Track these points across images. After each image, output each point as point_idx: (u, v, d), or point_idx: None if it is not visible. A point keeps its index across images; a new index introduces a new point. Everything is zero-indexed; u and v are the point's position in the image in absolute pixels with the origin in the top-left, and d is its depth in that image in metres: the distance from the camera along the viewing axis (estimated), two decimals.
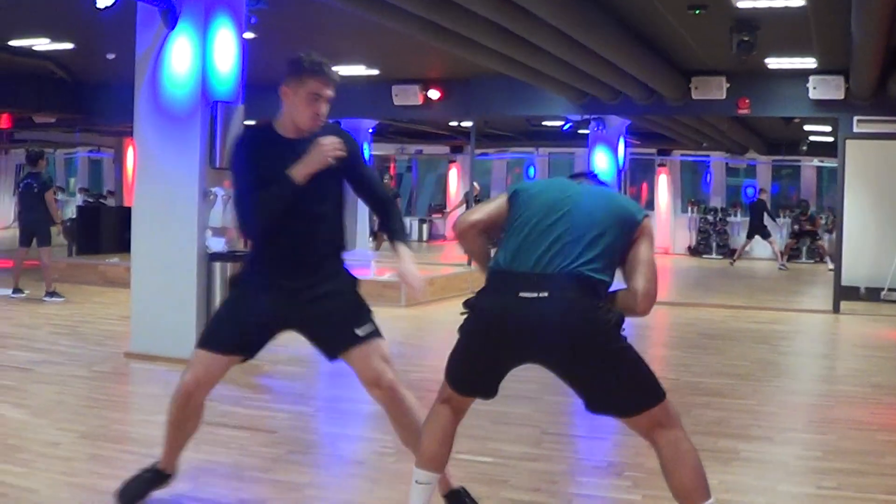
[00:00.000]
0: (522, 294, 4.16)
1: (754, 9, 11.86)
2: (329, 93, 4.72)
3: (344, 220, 4.99)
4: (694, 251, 30.61)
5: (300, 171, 4.61)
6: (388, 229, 5.05)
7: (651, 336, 13.06)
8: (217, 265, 9.31)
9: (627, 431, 6.72)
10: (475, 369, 4.44)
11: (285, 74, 4.72)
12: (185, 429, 4.95)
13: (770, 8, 11.68)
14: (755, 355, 10.84)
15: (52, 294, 14.05)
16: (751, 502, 5.33)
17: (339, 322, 4.84)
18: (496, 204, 4.57)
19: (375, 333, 4.90)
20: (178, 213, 9.35)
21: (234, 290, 5.02)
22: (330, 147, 4.65)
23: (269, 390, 8.55)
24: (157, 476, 4.96)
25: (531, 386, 7.52)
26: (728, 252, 28.97)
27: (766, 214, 25.96)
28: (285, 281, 4.77)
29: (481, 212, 4.59)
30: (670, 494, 5.34)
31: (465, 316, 4.35)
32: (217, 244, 9.36)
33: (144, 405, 7.70)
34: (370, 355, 4.82)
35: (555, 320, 4.12)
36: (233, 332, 4.83)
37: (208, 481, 5.41)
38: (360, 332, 4.84)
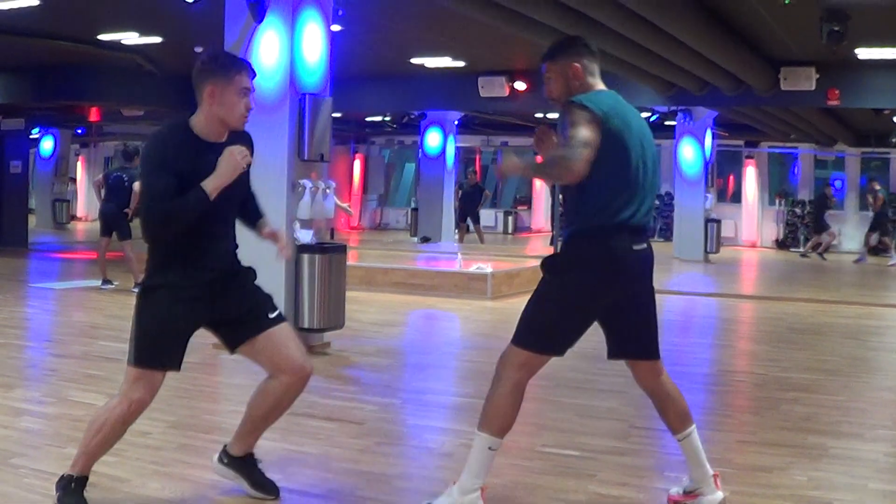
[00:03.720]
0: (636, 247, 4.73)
1: None
2: (251, 86, 4.66)
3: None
4: (781, 244, 30.28)
5: (214, 184, 4.52)
6: (256, 213, 5.39)
7: (738, 330, 12.94)
8: (305, 257, 9.33)
9: (717, 427, 6.72)
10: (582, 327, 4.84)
11: (208, 74, 4.55)
12: (113, 443, 4.78)
13: None
14: (844, 351, 10.69)
15: (140, 285, 14.11)
16: (840, 499, 5.26)
17: (253, 307, 4.92)
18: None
19: (284, 317, 4.99)
20: (266, 205, 9.11)
21: (154, 301, 4.88)
22: (240, 155, 4.57)
23: (356, 382, 8.60)
24: (83, 484, 4.70)
25: (618, 379, 7.47)
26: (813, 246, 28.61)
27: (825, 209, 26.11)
28: (200, 280, 4.79)
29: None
30: (760, 491, 5.32)
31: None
32: (305, 236, 9.41)
33: (233, 395, 7.77)
34: (288, 339, 4.90)
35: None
36: (174, 345, 4.81)
37: (297, 471, 5.44)
38: (272, 314, 4.90)
